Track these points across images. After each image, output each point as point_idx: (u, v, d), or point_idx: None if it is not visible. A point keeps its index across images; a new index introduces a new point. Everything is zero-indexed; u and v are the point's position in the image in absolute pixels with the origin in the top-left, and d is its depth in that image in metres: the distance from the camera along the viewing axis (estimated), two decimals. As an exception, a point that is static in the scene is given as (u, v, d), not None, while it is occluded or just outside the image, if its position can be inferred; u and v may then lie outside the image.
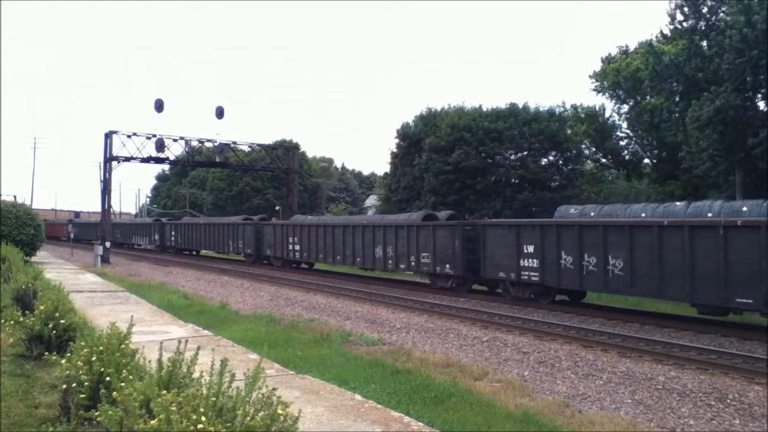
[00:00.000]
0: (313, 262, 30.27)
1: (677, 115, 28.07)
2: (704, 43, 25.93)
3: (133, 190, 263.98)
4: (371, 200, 71.15)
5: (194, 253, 45.24)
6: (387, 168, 46.23)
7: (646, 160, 40.18)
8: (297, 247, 29.92)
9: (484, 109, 38.54)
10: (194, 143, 43.63)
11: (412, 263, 22.32)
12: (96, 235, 59.85)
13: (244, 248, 35.45)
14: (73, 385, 5.36)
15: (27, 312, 8.81)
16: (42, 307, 8.33)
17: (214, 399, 3.83)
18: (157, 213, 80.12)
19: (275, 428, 3.75)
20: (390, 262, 23.48)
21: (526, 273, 17.80)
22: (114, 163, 39.44)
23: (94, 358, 5.34)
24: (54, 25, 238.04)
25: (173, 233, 45.55)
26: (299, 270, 33.14)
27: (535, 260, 17.52)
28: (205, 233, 40.28)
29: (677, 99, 27.24)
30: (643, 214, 17.63)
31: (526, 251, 17.79)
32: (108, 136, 39.14)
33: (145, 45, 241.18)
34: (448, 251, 20.61)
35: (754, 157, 23.32)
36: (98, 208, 51.13)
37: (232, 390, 3.97)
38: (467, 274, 20.34)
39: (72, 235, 58.54)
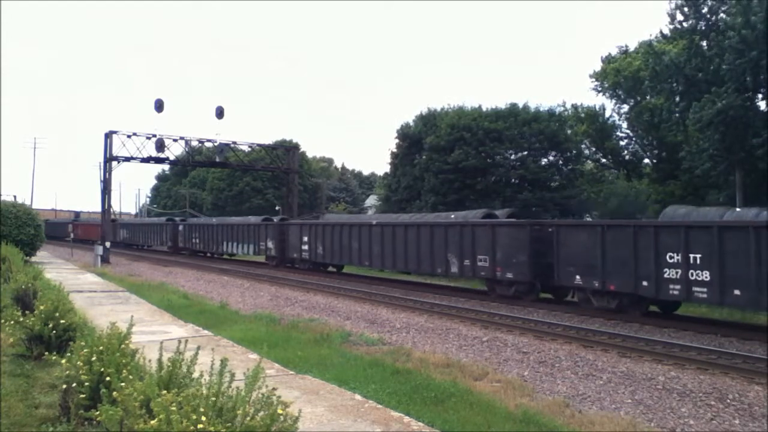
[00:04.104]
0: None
1: (677, 115, 28.04)
2: (704, 44, 25.91)
3: (133, 190, 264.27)
4: (371, 200, 71.12)
5: (331, 269, 30.53)
6: (387, 168, 46.24)
7: (646, 160, 40.20)
8: (705, 277, 13.75)
9: (484, 109, 38.51)
10: (194, 143, 43.63)
11: None
12: (159, 239, 48.77)
13: (474, 268, 19.98)
14: (73, 385, 5.36)
15: (27, 312, 8.82)
16: (42, 307, 8.33)
17: (214, 399, 3.83)
18: (157, 213, 80.00)
19: (275, 428, 3.75)
20: None
21: None
22: (114, 163, 39.43)
23: (94, 358, 5.34)
24: (54, 25, 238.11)
25: (306, 239, 29.92)
26: (300, 270, 30.01)
27: None
28: (379, 240, 24.35)
29: (677, 99, 27.20)
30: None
31: None
32: (108, 136, 39.15)
33: (145, 45, 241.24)
34: None
35: (755, 157, 23.32)
36: (98, 208, 50.84)
37: (232, 390, 3.97)
38: None
39: (119, 238, 52.54)
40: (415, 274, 24.94)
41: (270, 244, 33.25)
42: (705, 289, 13.87)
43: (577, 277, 16.79)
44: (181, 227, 46.01)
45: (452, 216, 24.06)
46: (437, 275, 22.78)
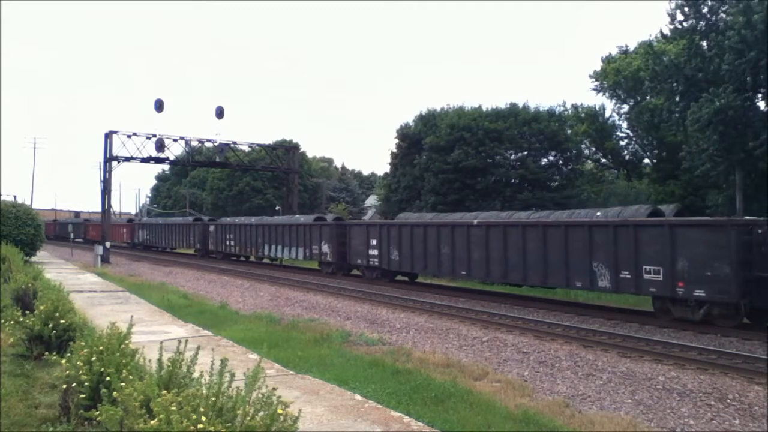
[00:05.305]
0: None
1: (677, 115, 28.02)
2: (704, 44, 25.90)
3: (133, 190, 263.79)
4: (371, 200, 71.11)
5: (400, 277, 25.06)
6: (387, 168, 46.24)
7: (646, 160, 40.18)
8: None
9: (484, 109, 38.51)
10: (194, 143, 43.67)
11: None
12: (186, 241, 44.17)
13: (638, 283, 15.22)
14: (73, 385, 5.36)
15: (27, 312, 8.81)
16: (42, 307, 8.33)
17: (214, 399, 3.83)
18: (157, 213, 79.90)
19: (275, 428, 3.75)
20: None
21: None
22: (114, 163, 39.47)
23: (94, 358, 5.34)
24: (54, 25, 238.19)
25: (375, 242, 24.75)
26: (298, 269, 30.58)
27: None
28: (482, 244, 19.45)
29: (677, 99, 27.19)
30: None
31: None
32: (108, 136, 39.18)
33: (145, 45, 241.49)
34: None
35: (755, 157, 23.30)
36: (98, 208, 50.75)
37: (232, 390, 3.97)
38: None
39: (137, 240, 50.42)
40: (532, 287, 19.82)
41: (325, 248, 27.77)
42: None
43: None
44: (212, 228, 41.37)
45: (597, 214, 18.79)
46: (575, 289, 18.05)
